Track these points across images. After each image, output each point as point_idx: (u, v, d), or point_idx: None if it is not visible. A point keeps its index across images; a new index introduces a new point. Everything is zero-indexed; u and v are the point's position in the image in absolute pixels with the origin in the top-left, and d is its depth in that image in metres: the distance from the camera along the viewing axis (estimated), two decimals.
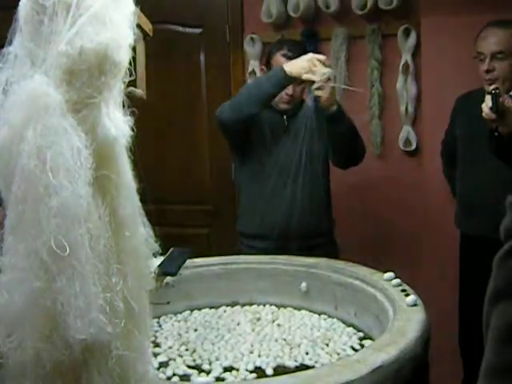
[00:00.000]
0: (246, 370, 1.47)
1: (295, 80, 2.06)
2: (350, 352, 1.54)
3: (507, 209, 0.67)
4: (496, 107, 1.77)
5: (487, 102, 1.81)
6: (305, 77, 2.01)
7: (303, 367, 1.48)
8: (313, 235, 2.24)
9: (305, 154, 2.22)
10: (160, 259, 1.50)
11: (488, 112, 1.80)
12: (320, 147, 2.27)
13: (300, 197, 2.20)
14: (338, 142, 2.19)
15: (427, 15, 2.72)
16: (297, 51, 2.22)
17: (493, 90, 1.80)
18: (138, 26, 1.20)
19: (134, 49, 0.94)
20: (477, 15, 2.47)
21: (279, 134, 2.28)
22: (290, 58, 2.19)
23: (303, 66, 2.02)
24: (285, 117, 2.30)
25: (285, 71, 2.03)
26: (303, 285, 1.93)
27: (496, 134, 1.87)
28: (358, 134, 2.24)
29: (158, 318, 1.82)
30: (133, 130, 0.92)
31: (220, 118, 2.18)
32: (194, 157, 3.26)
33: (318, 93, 2.03)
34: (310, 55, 2.04)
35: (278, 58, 2.24)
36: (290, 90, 2.21)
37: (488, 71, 2.23)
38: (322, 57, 2.05)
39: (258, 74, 3.06)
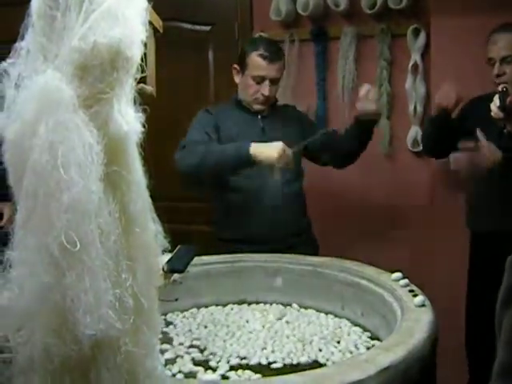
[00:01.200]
0: (261, 366, 1.48)
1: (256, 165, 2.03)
2: (363, 351, 1.54)
3: None
4: (504, 106, 1.77)
5: (495, 101, 1.81)
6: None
7: (317, 364, 1.48)
8: (291, 235, 2.22)
9: None
10: (167, 256, 1.50)
11: (496, 111, 1.81)
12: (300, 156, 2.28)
13: (276, 198, 2.18)
14: (360, 147, 2.28)
15: (437, 15, 2.71)
16: (273, 50, 2.22)
17: (501, 89, 1.80)
18: (149, 22, 1.20)
19: (144, 45, 0.94)
20: (486, 16, 2.47)
21: (254, 135, 2.21)
22: (265, 58, 2.18)
23: (271, 153, 1.98)
24: (259, 117, 2.28)
25: (250, 153, 2.00)
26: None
27: (504, 131, 1.87)
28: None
29: (165, 314, 1.82)
30: (144, 126, 0.92)
31: (179, 164, 2.17)
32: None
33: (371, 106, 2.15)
34: (281, 144, 2.00)
35: (254, 58, 2.21)
36: (265, 90, 2.20)
37: (498, 75, 2.24)
38: (290, 151, 2.02)
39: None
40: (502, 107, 1.79)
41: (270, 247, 2.08)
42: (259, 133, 2.24)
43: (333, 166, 2.42)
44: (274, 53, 2.21)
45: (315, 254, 2.19)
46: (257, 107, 2.26)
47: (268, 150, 2.00)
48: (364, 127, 2.20)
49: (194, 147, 2.13)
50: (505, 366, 0.59)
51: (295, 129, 2.30)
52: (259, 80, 2.21)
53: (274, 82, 2.23)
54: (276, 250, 2.06)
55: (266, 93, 2.21)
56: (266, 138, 2.17)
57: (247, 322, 1.78)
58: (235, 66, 2.33)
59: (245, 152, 2.02)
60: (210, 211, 3.31)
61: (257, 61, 2.20)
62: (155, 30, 1.44)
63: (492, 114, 1.83)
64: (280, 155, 1.98)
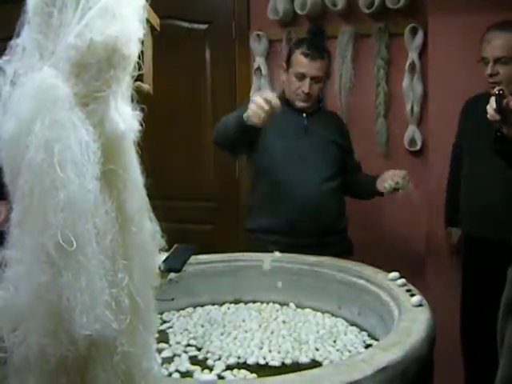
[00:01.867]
0: (258, 366, 1.47)
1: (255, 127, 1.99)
2: (361, 350, 1.54)
3: None
4: (500, 108, 1.76)
5: (491, 103, 1.80)
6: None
7: (314, 364, 1.48)
8: (326, 233, 2.26)
9: (322, 154, 2.29)
10: (164, 255, 1.50)
11: (492, 113, 1.80)
12: (336, 149, 2.34)
13: (314, 194, 2.23)
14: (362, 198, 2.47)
15: (434, 14, 2.71)
16: (316, 49, 2.28)
17: (497, 91, 1.79)
18: (146, 20, 1.19)
19: (141, 43, 0.93)
20: (484, 15, 2.46)
21: (296, 132, 2.30)
22: (307, 56, 2.25)
23: (252, 109, 1.92)
24: (304, 115, 2.32)
25: (243, 116, 1.97)
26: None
27: (499, 134, 1.87)
28: None
29: (161, 314, 1.81)
30: (141, 124, 0.91)
31: (214, 138, 2.22)
32: (198, 153, 3.26)
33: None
34: (257, 97, 1.94)
35: (297, 56, 2.28)
36: (305, 87, 2.26)
37: (491, 75, 2.23)
38: (269, 96, 1.94)
39: (264, 71, 3.05)
40: (498, 109, 1.78)
41: (302, 242, 2.15)
42: (301, 130, 2.31)
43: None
44: (316, 51, 2.27)
45: (350, 255, 2.23)
46: (299, 104, 2.31)
47: (251, 112, 1.94)
48: (378, 194, 2.32)
49: (223, 118, 2.21)
50: (508, 378, 0.58)
51: (335, 133, 2.38)
52: (300, 77, 2.27)
53: (316, 79, 2.27)
54: (307, 245, 2.12)
55: (306, 90, 2.26)
56: (307, 136, 2.29)
57: (243, 321, 1.77)
58: (282, 63, 2.42)
59: (241, 115, 1.99)
60: (207, 210, 3.32)
61: (299, 58, 2.27)
62: (152, 27, 1.43)
63: (488, 116, 1.82)
64: (253, 110, 1.91)
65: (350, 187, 2.42)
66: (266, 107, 1.89)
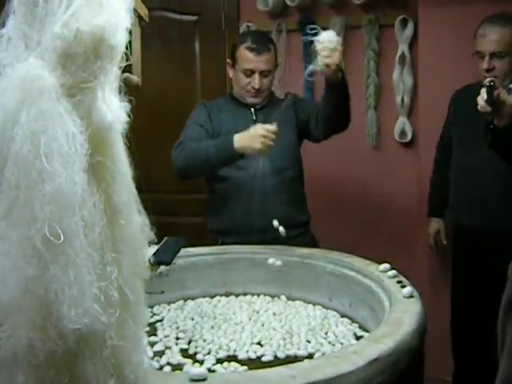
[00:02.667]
0: (249, 359, 1.47)
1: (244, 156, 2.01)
2: (352, 342, 1.54)
3: None
4: (491, 100, 1.76)
5: (482, 95, 1.80)
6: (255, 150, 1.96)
7: (305, 356, 1.48)
8: (286, 228, 2.08)
9: (276, 150, 2.08)
10: (154, 248, 1.49)
11: (483, 104, 1.80)
12: (290, 139, 2.23)
13: (268, 190, 2.11)
14: (335, 112, 2.09)
15: (425, 6, 2.70)
16: (261, 42, 2.19)
17: (488, 82, 1.79)
18: (134, 10, 1.18)
19: (129, 33, 0.92)
20: (475, 6, 2.46)
21: (246, 128, 2.13)
22: (253, 51, 2.16)
23: (254, 145, 1.94)
24: (252, 110, 2.25)
25: (234, 148, 1.98)
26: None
27: (491, 126, 1.87)
28: (350, 102, 2.15)
29: (152, 307, 1.81)
30: (129, 116, 0.90)
31: (173, 166, 2.15)
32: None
33: (327, 60, 1.89)
34: (260, 130, 1.96)
35: (243, 52, 2.19)
36: (256, 83, 2.17)
37: (488, 70, 2.22)
38: (271, 127, 1.96)
39: None
40: (489, 101, 1.78)
41: (258, 239, 2.05)
42: (250, 124, 2.16)
43: (318, 137, 2.28)
44: (262, 44, 2.18)
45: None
46: (250, 100, 2.24)
47: (250, 142, 1.97)
48: (330, 85, 2.05)
49: (186, 146, 2.14)
50: (509, 377, 0.57)
51: (290, 118, 2.24)
52: (249, 73, 2.18)
53: (265, 73, 2.19)
54: (265, 243, 2.04)
55: (257, 85, 2.18)
56: None
57: (234, 313, 1.77)
58: (228, 60, 2.32)
59: (229, 149, 2.01)
60: (197, 202, 3.30)
61: (245, 54, 2.18)
62: (140, 18, 1.41)
63: (479, 107, 1.82)
64: (263, 143, 1.94)
65: (323, 118, 2.17)
66: (270, 135, 1.94)
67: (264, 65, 2.18)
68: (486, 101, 1.78)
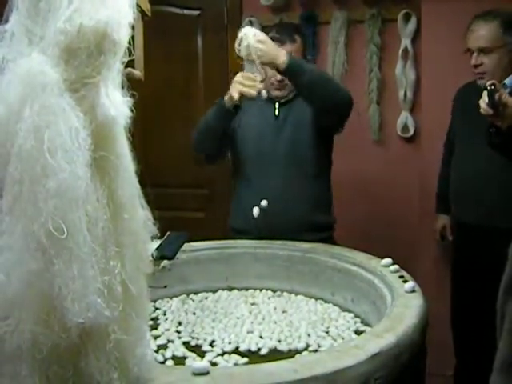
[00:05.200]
0: (249, 352, 1.47)
1: (235, 107, 1.99)
2: (353, 336, 1.54)
3: None
4: (493, 102, 1.75)
5: (484, 98, 1.79)
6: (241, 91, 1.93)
7: (306, 350, 1.48)
8: (305, 231, 2.08)
9: (292, 145, 2.11)
10: (157, 243, 1.49)
11: (485, 108, 1.79)
12: (307, 134, 2.13)
13: (286, 191, 2.09)
14: (309, 96, 1.99)
15: (427, 0, 2.70)
16: (285, 33, 2.14)
17: (489, 85, 1.78)
18: (137, 5, 1.18)
19: (132, 28, 0.92)
20: (477, 1, 2.45)
21: (266, 121, 2.16)
22: (276, 40, 2.07)
23: (232, 92, 1.94)
24: (277, 104, 2.18)
25: (222, 101, 1.98)
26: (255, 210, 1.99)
27: (493, 129, 1.86)
28: (325, 78, 2.04)
29: (154, 301, 1.81)
30: (132, 111, 0.90)
31: (193, 142, 2.18)
32: (190, 139, 3.24)
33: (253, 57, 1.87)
34: (237, 77, 1.95)
35: None
36: (278, 75, 2.07)
37: (476, 66, 2.23)
38: (250, 74, 1.94)
39: None
40: (490, 104, 1.77)
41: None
42: (272, 119, 2.17)
43: (329, 125, 2.15)
44: (287, 35, 2.11)
45: None
46: (274, 93, 2.17)
47: (230, 90, 1.97)
48: (281, 73, 1.98)
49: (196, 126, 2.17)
50: (507, 360, 0.57)
51: (307, 112, 2.13)
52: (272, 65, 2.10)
53: None
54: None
55: (279, 77, 2.10)
56: (277, 125, 2.13)
57: (236, 308, 1.77)
58: None
59: (220, 102, 2.02)
60: (199, 197, 3.31)
61: None
62: (143, 13, 1.41)
63: (481, 110, 1.81)
64: (239, 90, 1.92)
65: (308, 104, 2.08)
66: (247, 82, 1.90)
67: None
68: (488, 104, 1.78)
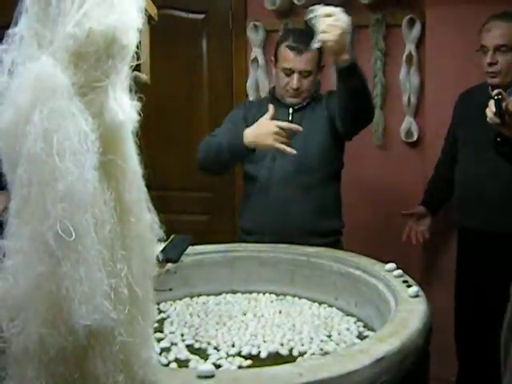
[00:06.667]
0: (252, 355, 1.47)
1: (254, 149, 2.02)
2: (357, 341, 1.54)
3: None
4: (500, 112, 1.75)
5: (491, 107, 1.79)
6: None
7: (311, 354, 1.48)
8: (310, 235, 2.11)
9: (305, 149, 2.11)
10: (161, 246, 1.50)
11: (492, 117, 1.79)
12: (321, 138, 2.16)
13: (296, 195, 2.12)
14: (350, 101, 1.96)
15: (432, 6, 2.70)
16: (303, 41, 2.10)
17: (495, 95, 1.78)
18: (144, 9, 1.19)
19: (139, 33, 0.93)
20: (482, 7, 2.46)
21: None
22: (293, 50, 2.10)
23: (266, 142, 1.96)
24: (290, 110, 2.19)
25: (244, 142, 1.98)
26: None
27: (500, 138, 1.86)
28: (368, 89, 2.05)
29: (158, 304, 1.82)
30: (139, 114, 0.91)
31: (200, 162, 2.18)
32: (194, 143, 3.24)
33: (324, 36, 1.80)
34: (272, 127, 1.96)
35: (284, 50, 2.14)
36: (294, 83, 2.12)
37: (491, 64, 2.24)
38: (284, 124, 1.97)
39: (261, 62, 3.04)
40: (497, 113, 1.77)
41: (280, 241, 2.04)
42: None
43: (344, 133, 2.15)
44: (303, 44, 2.07)
45: None
46: (289, 100, 2.18)
47: (262, 138, 1.97)
48: (337, 70, 1.94)
49: (208, 139, 2.17)
50: None
51: (322, 115, 2.18)
52: (288, 72, 2.13)
53: (305, 74, 2.13)
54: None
55: (295, 86, 2.12)
56: (290, 133, 2.10)
57: (239, 311, 1.78)
58: (272, 58, 2.27)
59: (239, 142, 2.01)
60: (202, 201, 3.31)
61: (285, 53, 2.13)
62: (150, 17, 1.42)
63: (488, 119, 1.81)
64: (276, 139, 1.95)
65: (340, 109, 2.05)
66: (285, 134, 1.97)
67: (304, 65, 2.12)
68: (495, 113, 1.77)
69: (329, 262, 1.88)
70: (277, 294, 1.93)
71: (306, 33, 2.26)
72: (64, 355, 0.81)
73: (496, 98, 1.76)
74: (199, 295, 1.93)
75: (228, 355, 1.47)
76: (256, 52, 3.07)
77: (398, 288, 1.55)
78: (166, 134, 3.24)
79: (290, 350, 1.51)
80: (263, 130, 1.99)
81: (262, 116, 2.07)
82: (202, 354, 1.49)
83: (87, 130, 0.80)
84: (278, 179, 2.14)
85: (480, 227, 2.37)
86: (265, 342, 1.55)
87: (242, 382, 1.06)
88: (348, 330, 1.64)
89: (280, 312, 1.77)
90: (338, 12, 1.83)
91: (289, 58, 2.12)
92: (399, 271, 1.67)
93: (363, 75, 1.98)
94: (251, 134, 2.01)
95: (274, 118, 2.04)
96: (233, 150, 2.05)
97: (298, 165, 2.11)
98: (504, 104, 1.76)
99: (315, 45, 1.83)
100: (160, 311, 1.79)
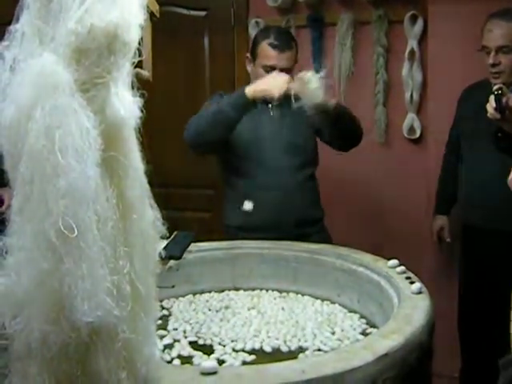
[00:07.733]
0: (254, 351, 1.48)
1: (254, 103, 2.00)
2: (360, 338, 1.54)
3: None
4: (500, 107, 1.75)
5: (491, 103, 1.79)
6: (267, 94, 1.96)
7: (314, 350, 1.48)
8: (302, 224, 2.18)
9: (287, 144, 2.17)
10: (164, 243, 1.49)
11: (493, 112, 1.79)
12: (306, 136, 2.23)
13: (285, 187, 2.15)
14: (341, 134, 2.14)
15: (434, 2, 2.70)
16: (284, 39, 2.15)
17: (496, 90, 1.78)
18: (146, 6, 1.18)
19: (141, 29, 0.92)
20: (484, 2, 2.45)
21: (262, 123, 2.19)
22: (275, 47, 2.12)
23: (273, 91, 1.93)
24: (270, 105, 2.19)
25: (246, 95, 1.97)
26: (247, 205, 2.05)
27: (501, 134, 1.86)
28: (355, 119, 2.19)
29: (161, 301, 1.82)
30: (142, 111, 0.91)
31: (185, 137, 2.11)
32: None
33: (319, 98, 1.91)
34: (283, 77, 1.97)
35: (264, 48, 2.14)
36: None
37: (494, 65, 2.22)
38: (285, 76, 1.98)
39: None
40: (498, 108, 1.77)
41: (277, 236, 2.05)
42: (268, 121, 2.20)
43: (335, 148, 2.29)
44: (285, 42, 2.13)
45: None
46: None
47: (271, 86, 1.95)
48: (330, 115, 2.03)
49: (198, 116, 2.12)
50: None
51: (304, 116, 2.14)
52: (269, 70, 2.12)
53: (285, 71, 2.11)
54: (285, 239, 2.05)
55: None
56: (274, 127, 2.18)
57: (242, 308, 1.78)
58: (247, 55, 2.27)
59: (240, 94, 1.99)
60: (205, 197, 3.31)
61: (267, 50, 2.13)
62: (151, 14, 1.42)
63: (488, 115, 1.81)
64: (281, 90, 1.93)
65: (329, 140, 2.23)
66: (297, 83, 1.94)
67: (285, 62, 2.14)
68: (495, 108, 1.77)
69: (331, 259, 1.88)
70: (279, 291, 1.93)
71: (285, 31, 2.31)
72: (66, 352, 0.81)
73: (496, 93, 1.75)
74: (202, 292, 1.93)
75: (232, 350, 1.48)
76: None
77: (400, 284, 1.55)
78: (169, 131, 3.23)
79: (293, 347, 1.51)
80: (273, 79, 1.99)
81: None
82: (205, 350, 1.49)
83: (89, 127, 0.80)
84: (271, 175, 2.15)
85: (484, 225, 2.36)
86: (269, 337, 1.56)
87: (245, 379, 1.06)
88: (351, 326, 1.64)
89: (283, 309, 1.77)
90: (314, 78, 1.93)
91: (270, 55, 2.13)
92: (402, 268, 1.67)
93: (347, 109, 2.13)
94: (257, 84, 2.00)
95: (254, 113, 2.10)
96: (234, 103, 2.00)
97: (290, 161, 2.17)
98: (504, 99, 1.75)
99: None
100: (163, 308, 1.79)
